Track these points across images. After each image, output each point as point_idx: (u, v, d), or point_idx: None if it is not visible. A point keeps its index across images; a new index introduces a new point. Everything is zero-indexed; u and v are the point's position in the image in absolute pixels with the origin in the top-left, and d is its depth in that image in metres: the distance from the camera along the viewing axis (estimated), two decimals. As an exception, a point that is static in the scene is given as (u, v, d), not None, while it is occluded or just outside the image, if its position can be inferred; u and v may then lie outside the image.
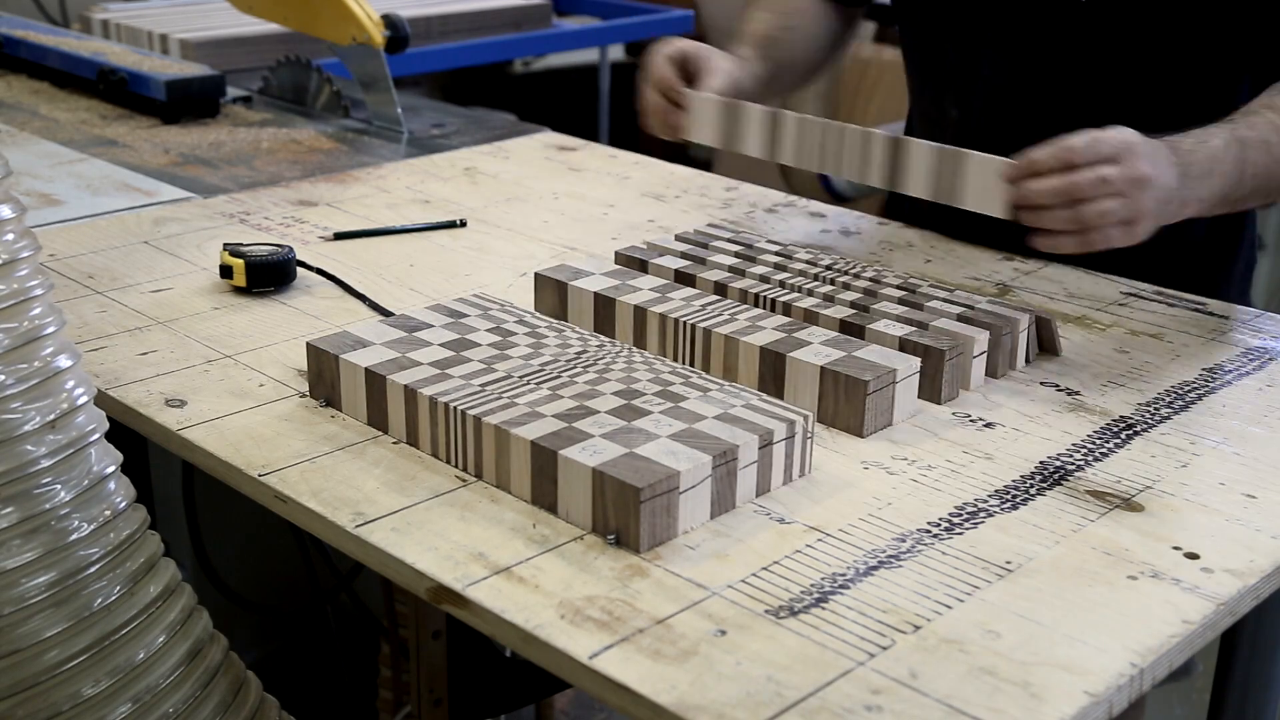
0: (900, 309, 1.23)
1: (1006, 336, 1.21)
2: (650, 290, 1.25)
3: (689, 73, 1.38)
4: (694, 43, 1.38)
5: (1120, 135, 1.09)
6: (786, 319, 1.19)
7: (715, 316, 1.19)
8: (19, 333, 0.96)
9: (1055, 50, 1.39)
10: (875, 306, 1.24)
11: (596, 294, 1.25)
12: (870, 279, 1.31)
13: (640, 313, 1.22)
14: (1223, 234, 1.49)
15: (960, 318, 1.23)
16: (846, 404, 1.10)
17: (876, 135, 1.31)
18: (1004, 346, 1.21)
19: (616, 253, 1.39)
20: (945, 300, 1.26)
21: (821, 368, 1.10)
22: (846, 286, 1.29)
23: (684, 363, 1.17)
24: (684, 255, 1.38)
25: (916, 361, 1.13)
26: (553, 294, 1.29)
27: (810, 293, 1.27)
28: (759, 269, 1.32)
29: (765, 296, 1.26)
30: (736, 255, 1.37)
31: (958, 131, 1.50)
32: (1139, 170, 1.08)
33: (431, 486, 1.01)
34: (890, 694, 0.79)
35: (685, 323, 1.19)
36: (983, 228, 1.52)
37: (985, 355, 1.20)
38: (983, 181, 1.22)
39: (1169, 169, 1.12)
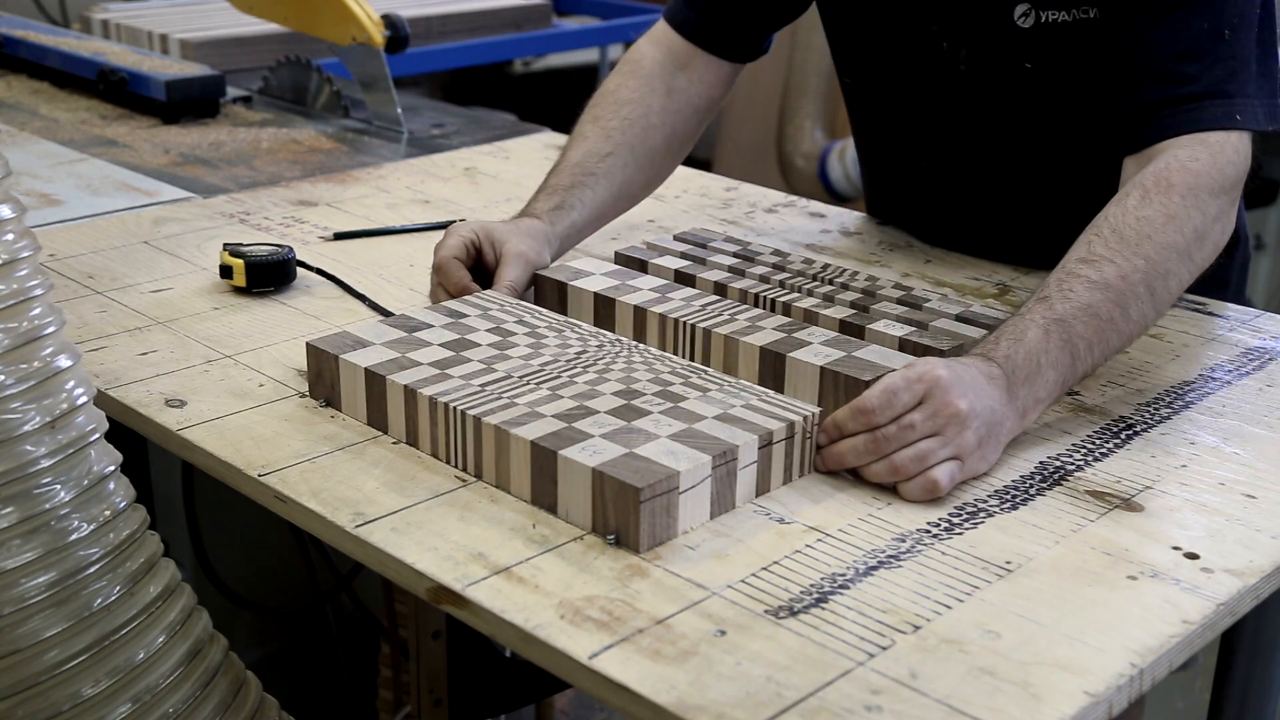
0: (900, 309, 1.23)
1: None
2: (650, 290, 1.25)
3: (485, 261, 1.29)
4: (485, 226, 1.30)
5: (924, 373, 1.01)
6: (786, 319, 1.19)
7: (715, 316, 1.19)
8: (19, 333, 0.96)
9: (1003, 109, 1.39)
10: (875, 307, 1.24)
11: (596, 294, 1.25)
12: (868, 278, 1.31)
13: (640, 313, 1.22)
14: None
15: (959, 318, 1.23)
16: (847, 404, 1.10)
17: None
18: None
19: (616, 253, 1.39)
20: (944, 300, 1.26)
21: (821, 368, 1.10)
22: (845, 287, 1.29)
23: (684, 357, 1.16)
24: (684, 255, 1.38)
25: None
26: (553, 294, 1.29)
27: (810, 293, 1.27)
28: (759, 269, 1.32)
29: (765, 296, 1.26)
30: (736, 255, 1.37)
31: (930, 179, 1.50)
32: (949, 407, 1.00)
33: (431, 486, 1.01)
34: (890, 694, 0.79)
35: (685, 323, 1.19)
36: (961, 239, 1.53)
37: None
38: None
39: (988, 391, 1.03)
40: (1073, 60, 1.32)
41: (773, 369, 1.13)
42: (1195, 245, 1.16)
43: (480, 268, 1.30)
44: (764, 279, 1.30)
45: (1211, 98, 1.20)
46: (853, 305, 1.24)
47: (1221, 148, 1.19)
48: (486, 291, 1.25)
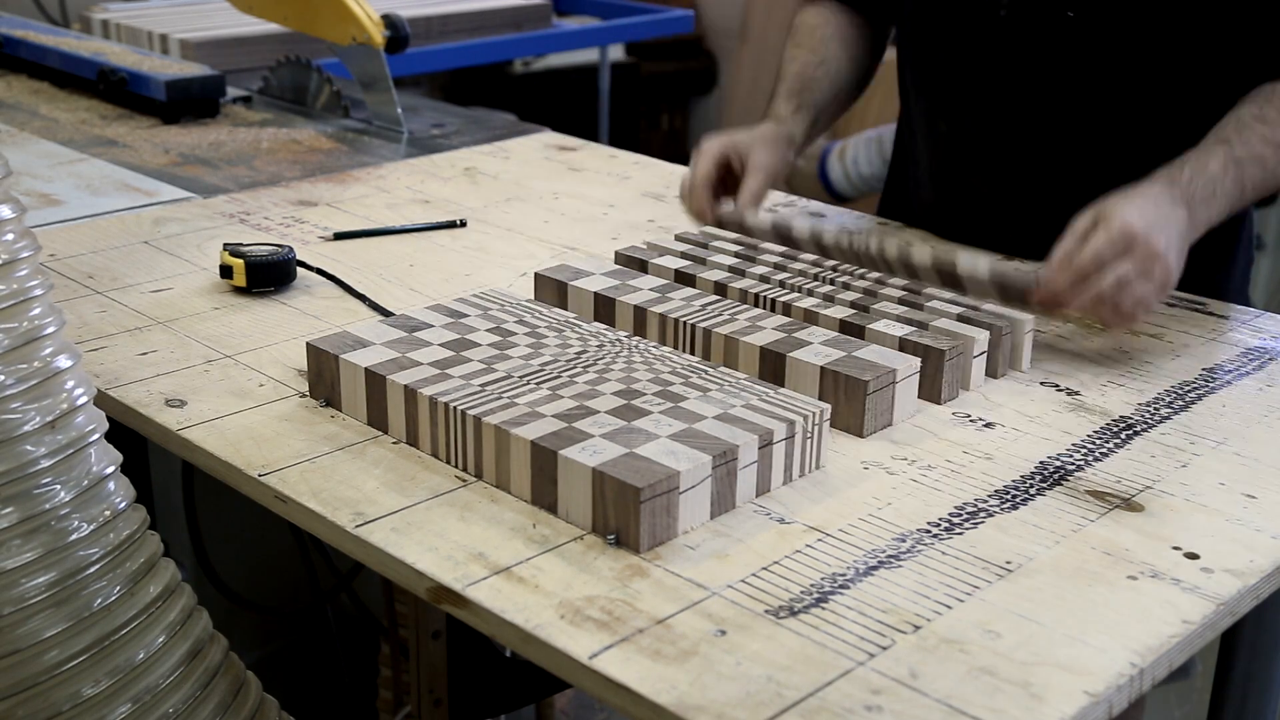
0: (900, 309, 1.23)
1: (1007, 336, 1.21)
2: (650, 290, 1.25)
3: (734, 172, 1.45)
4: (732, 140, 1.46)
5: (1120, 224, 1.16)
6: (786, 319, 1.19)
7: (715, 316, 1.19)
8: (19, 333, 0.96)
9: (1040, 65, 1.40)
10: (875, 307, 1.24)
11: (597, 294, 1.25)
12: (872, 279, 1.31)
13: (640, 313, 1.22)
14: (1221, 234, 1.49)
15: (960, 318, 1.23)
16: (846, 404, 1.10)
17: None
18: (1004, 346, 1.21)
19: (617, 253, 1.39)
20: (945, 300, 1.26)
21: (821, 368, 1.10)
22: (846, 286, 1.29)
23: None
24: (684, 255, 1.38)
25: (916, 361, 1.13)
26: (553, 294, 1.29)
27: (810, 293, 1.27)
28: (759, 269, 1.32)
29: (765, 296, 1.26)
30: (736, 255, 1.37)
31: (948, 145, 1.50)
32: (1151, 250, 1.16)
33: (431, 486, 1.01)
34: (890, 694, 0.79)
35: (685, 323, 1.19)
36: (979, 231, 1.53)
37: (985, 355, 1.20)
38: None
39: (1175, 215, 1.19)
40: (1118, 11, 1.34)
41: (773, 369, 1.13)
42: None
43: (730, 181, 1.45)
44: (764, 279, 1.30)
45: None
46: (853, 305, 1.24)
47: None
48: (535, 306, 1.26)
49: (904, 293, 1.27)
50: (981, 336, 1.19)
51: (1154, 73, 1.35)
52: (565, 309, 1.28)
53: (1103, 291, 1.16)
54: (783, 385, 1.13)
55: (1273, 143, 1.26)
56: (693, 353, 1.19)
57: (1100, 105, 1.39)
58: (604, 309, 1.25)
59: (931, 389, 1.16)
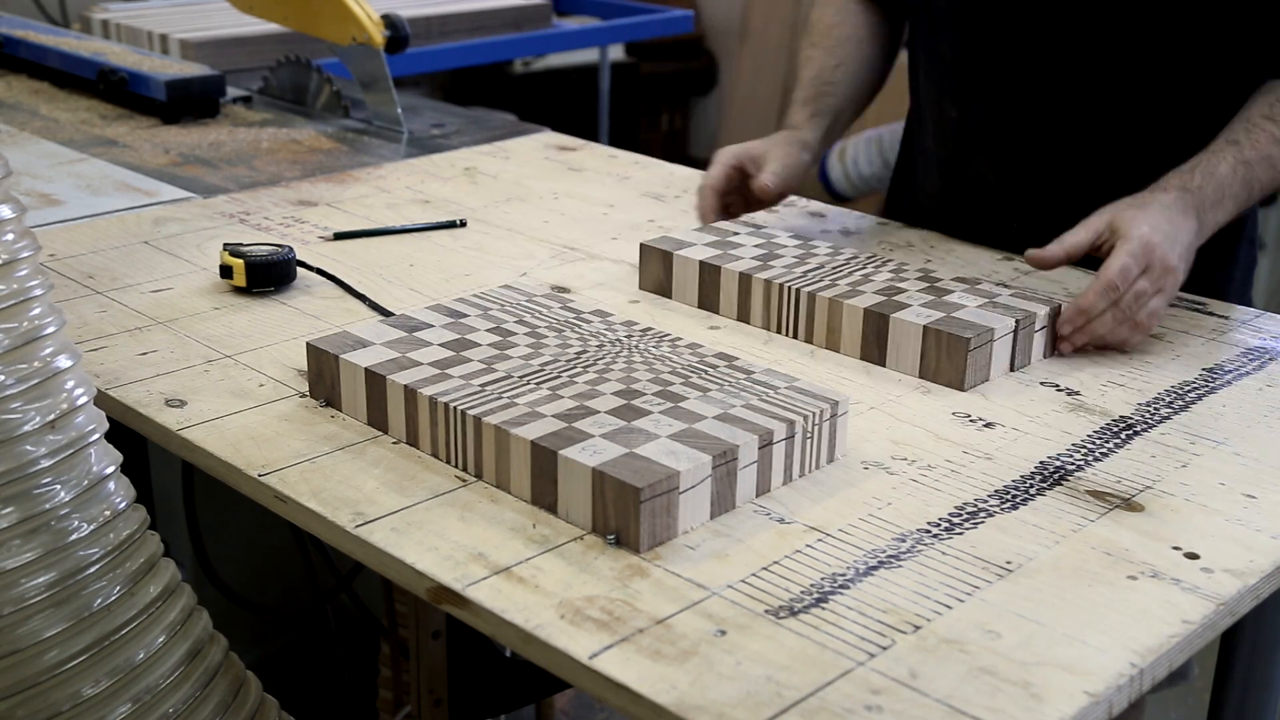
0: (926, 297, 1.25)
1: (1025, 331, 1.23)
2: (752, 259, 1.31)
3: (751, 178, 1.47)
4: (745, 147, 1.49)
5: (1139, 242, 1.20)
6: (889, 280, 1.27)
7: (818, 282, 1.25)
8: (19, 333, 0.96)
9: (1050, 47, 1.40)
10: (898, 298, 1.24)
11: (702, 263, 1.30)
12: (892, 270, 1.32)
13: (745, 279, 1.27)
14: (1223, 234, 1.49)
15: (983, 306, 1.23)
16: (949, 360, 1.17)
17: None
18: (1022, 339, 1.23)
19: (641, 244, 1.39)
20: (966, 291, 1.26)
21: (924, 326, 1.17)
22: (866, 278, 1.29)
23: (788, 330, 1.26)
24: (710, 246, 1.38)
25: (1011, 321, 1.20)
26: (658, 265, 1.35)
27: (834, 284, 1.27)
28: (784, 259, 1.33)
29: (790, 286, 1.27)
30: (759, 247, 1.38)
31: (958, 131, 1.51)
32: (1168, 271, 1.21)
33: (431, 486, 1.01)
34: (890, 694, 0.79)
35: (790, 288, 1.24)
36: (982, 228, 1.53)
37: (1011, 341, 1.22)
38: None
39: (1185, 227, 1.23)
40: None
41: (876, 329, 1.20)
42: None
43: (746, 189, 1.48)
44: (789, 269, 1.31)
45: None
46: (879, 293, 1.25)
47: None
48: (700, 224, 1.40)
49: (928, 283, 1.28)
50: (1007, 322, 1.21)
51: (1163, 61, 1.36)
52: (670, 279, 1.35)
53: (1124, 306, 1.21)
54: (885, 344, 1.20)
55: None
56: (796, 317, 1.25)
57: (1110, 91, 1.40)
58: (709, 276, 1.31)
59: (954, 374, 1.18)
